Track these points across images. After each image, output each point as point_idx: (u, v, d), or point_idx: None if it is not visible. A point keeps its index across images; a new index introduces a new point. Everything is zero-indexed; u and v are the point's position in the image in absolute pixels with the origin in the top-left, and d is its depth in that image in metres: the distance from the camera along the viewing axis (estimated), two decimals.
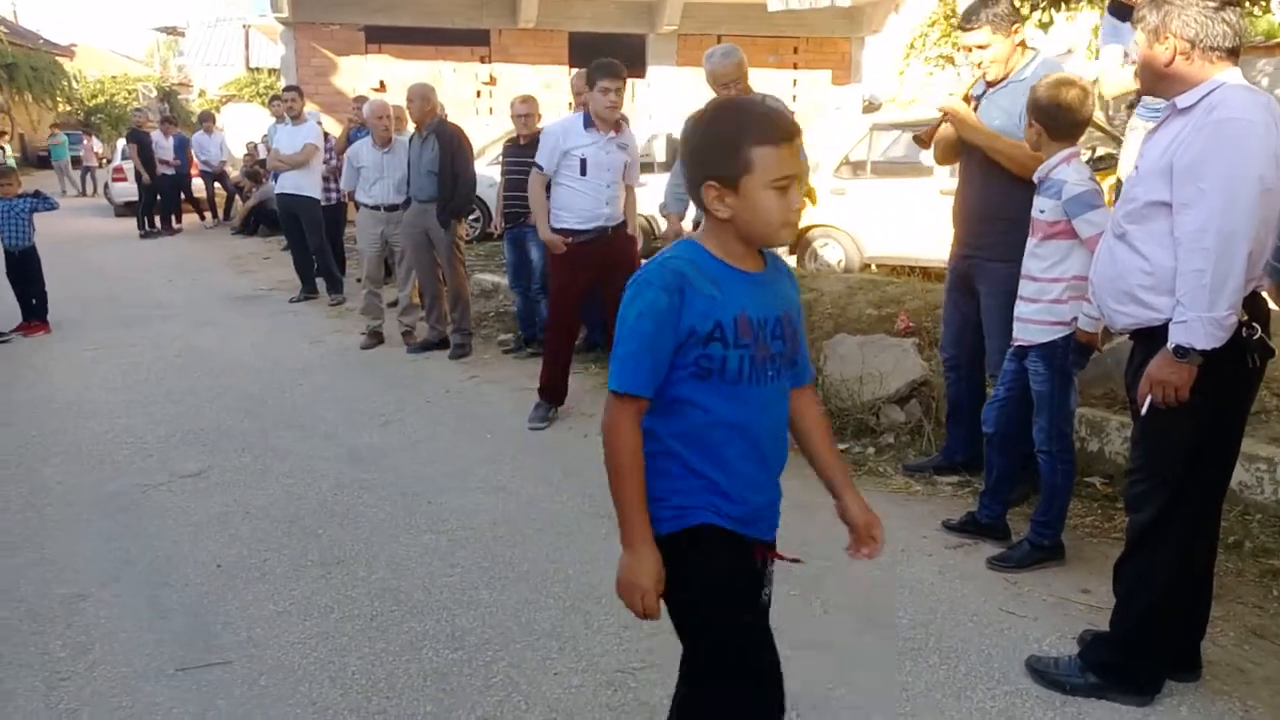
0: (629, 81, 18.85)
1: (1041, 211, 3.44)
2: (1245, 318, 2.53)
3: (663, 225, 5.48)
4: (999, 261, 3.94)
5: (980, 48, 3.96)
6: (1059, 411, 3.55)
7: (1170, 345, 2.55)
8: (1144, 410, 2.69)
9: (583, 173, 5.23)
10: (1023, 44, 3.97)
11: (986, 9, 3.89)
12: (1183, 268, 2.53)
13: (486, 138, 14.09)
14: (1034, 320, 3.50)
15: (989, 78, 4.03)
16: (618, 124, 5.35)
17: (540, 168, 5.40)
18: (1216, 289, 2.45)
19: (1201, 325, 2.48)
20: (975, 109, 4.08)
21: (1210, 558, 2.91)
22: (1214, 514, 2.87)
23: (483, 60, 17.98)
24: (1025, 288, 3.54)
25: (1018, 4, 3.98)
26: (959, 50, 15.44)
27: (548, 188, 5.44)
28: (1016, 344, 3.60)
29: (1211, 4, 2.52)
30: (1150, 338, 2.68)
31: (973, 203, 4.16)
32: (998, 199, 3.97)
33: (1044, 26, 5.93)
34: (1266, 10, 7.18)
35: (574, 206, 5.29)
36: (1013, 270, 3.67)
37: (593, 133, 5.27)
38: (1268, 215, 2.48)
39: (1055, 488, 3.61)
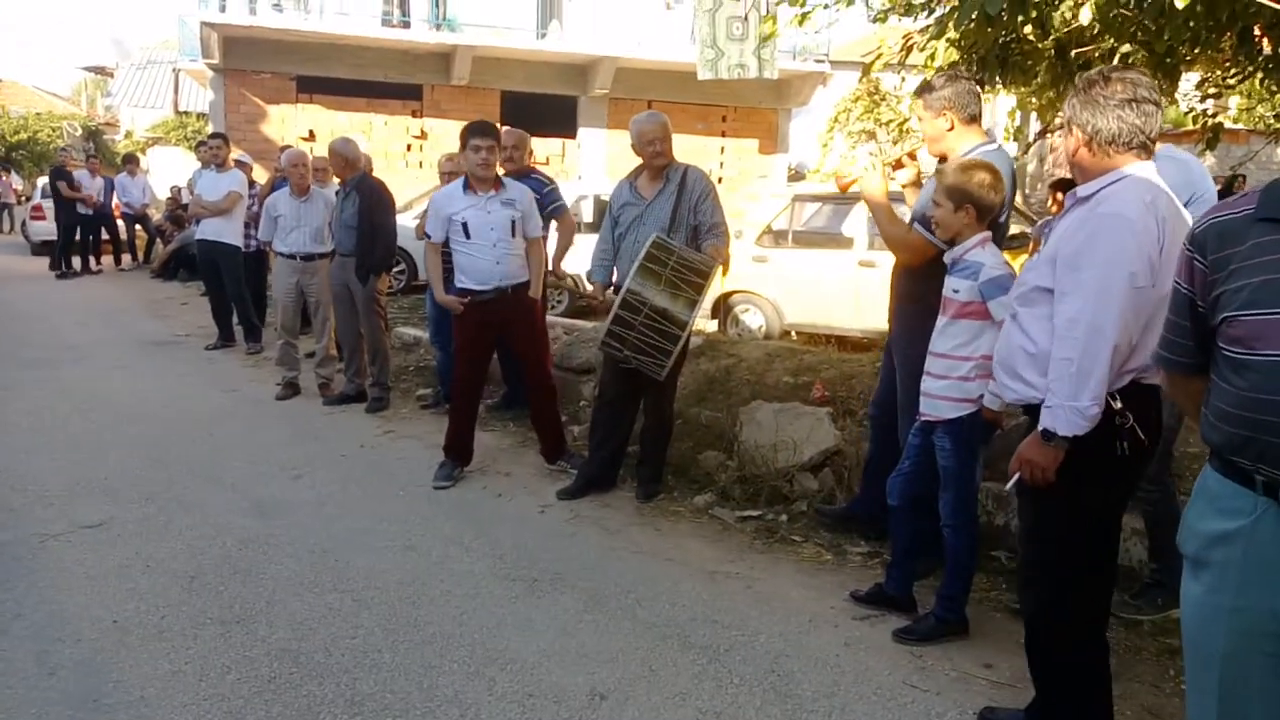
0: (561, 141, 19.03)
1: (955, 291, 3.52)
2: (1119, 406, 2.60)
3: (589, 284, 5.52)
4: (909, 342, 4.06)
5: (919, 118, 4.10)
6: (965, 486, 3.62)
7: (1039, 428, 2.65)
8: (1009, 486, 2.81)
9: (467, 235, 5.25)
10: (963, 129, 3.93)
11: (928, 88, 4.00)
12: (1055, 354, 2.62)
13: (416, 191, 14.10)
14: (942, 396, 3.57)
15: (929, 152, 4.16)
16: (497, 181, 5.35)
17: (429, 236, 5.47)
18: (1081, 379, 2.54)
19: (1064, 413, 2.57)
20: (917, 176, 4.26)
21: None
22: (1101, 590, 2.90)
23: (415, 114, 18.06)
24: (934, 364, 3.60)
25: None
26: (880, 126, 15.95)
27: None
28: (923, 419, 3.67)
29: (1113, 100, 2.58)
30: (1033, 412, 2.77)
31: (896, 280, 4.28)
32: (913, 281, 4.08)
33: None
34: (1173, 101, 7.53)
35: (468, 269, 5.31)
36: (914, 354, 3.80)
37: (470, 195, 5.28)
38: (1141, 311, 2.54)
39: (960, 562, 3.67)
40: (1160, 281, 2.52)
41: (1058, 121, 3.74)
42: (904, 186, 4.35)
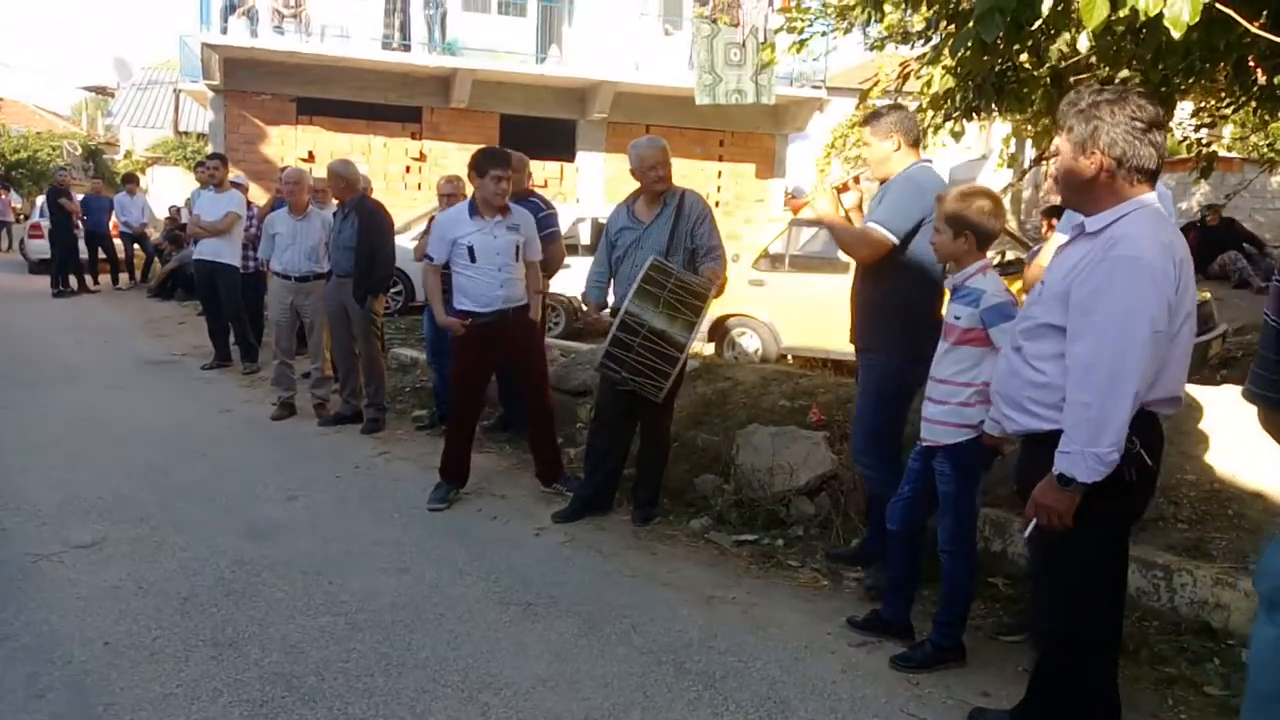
0: (559, 164, 19.10)
1: (957, 318, 3.52)
2: (1127, 433, 2.53)
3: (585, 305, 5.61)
4: (867, 352, 4.30)
5: (865, 144, 4.33)
6: (964, 512, 3.60)
7: (1054, 472, 2.58)
8: (1027, 533, 2.74)
9: (472, 259, 5.27)
10: (908, 150, 4.19)
11: (874, 116, 4.25)
12: (1070, 397, 2.55)
13: (415, 212, 14.13)
14: (941, 421, 3.56)
15: (870, 175, 4.37)
16: (504, 207, 5.39)
17: (430, 258, 5.48)
18: (1101, 425, 2.48)
19: (1084, 459, 2.51)
20: (860, 200, 4.47)
21: (1114, 665, 2.93)
22: (1113, 619, 2.88)
23: (414, 136, 18.13)
24: (934, 389, 3.60)
25: (920, 121, 4.30)
26: None
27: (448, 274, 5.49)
28: (924, 444, 3.66)
29: (1140, 124, 2.51)
30: (1039, 442, 2.72)
31: (854, 297, 4.42)
32: (870, 295, 4.27)
33: (956, 135, 6.15)
34: (1168, 130, 7.57)
35: (470, 291, 5.33)
36: (877, 360, 4.14)
37: (478, 219, 5.31)
38: (1158, 355, 2.50)
39: (957, 588, 3.65)
40: (1175, 323, 2.50)
41: (1055, 147, 3.78)
42: (849, 210, 4.47)
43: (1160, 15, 3.14)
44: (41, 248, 16.53)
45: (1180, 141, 7.28)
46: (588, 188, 18.96)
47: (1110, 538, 2.73)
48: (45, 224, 15.89)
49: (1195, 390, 4.85)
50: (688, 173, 18.47)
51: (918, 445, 3.72)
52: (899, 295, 4.11)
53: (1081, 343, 2.53)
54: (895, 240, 4.05)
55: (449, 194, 6.83)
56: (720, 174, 20.06)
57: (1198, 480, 4.62)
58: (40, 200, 16.61)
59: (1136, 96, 2.55)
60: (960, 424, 3.51)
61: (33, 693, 3.29)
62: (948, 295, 3.66)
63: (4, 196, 26.38)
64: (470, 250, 5.27)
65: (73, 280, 15.41)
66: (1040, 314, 2.71)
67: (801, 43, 6.88)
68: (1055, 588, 2.82)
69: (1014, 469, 2.99)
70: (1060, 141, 2.69)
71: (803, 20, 6.95)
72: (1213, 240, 14.02)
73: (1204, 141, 6.96)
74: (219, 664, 3.52)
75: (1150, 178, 2.58)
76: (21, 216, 25.61)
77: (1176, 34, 3.17)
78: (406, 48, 17.26)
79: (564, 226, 7.73)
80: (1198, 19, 3.14)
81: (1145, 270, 2.45)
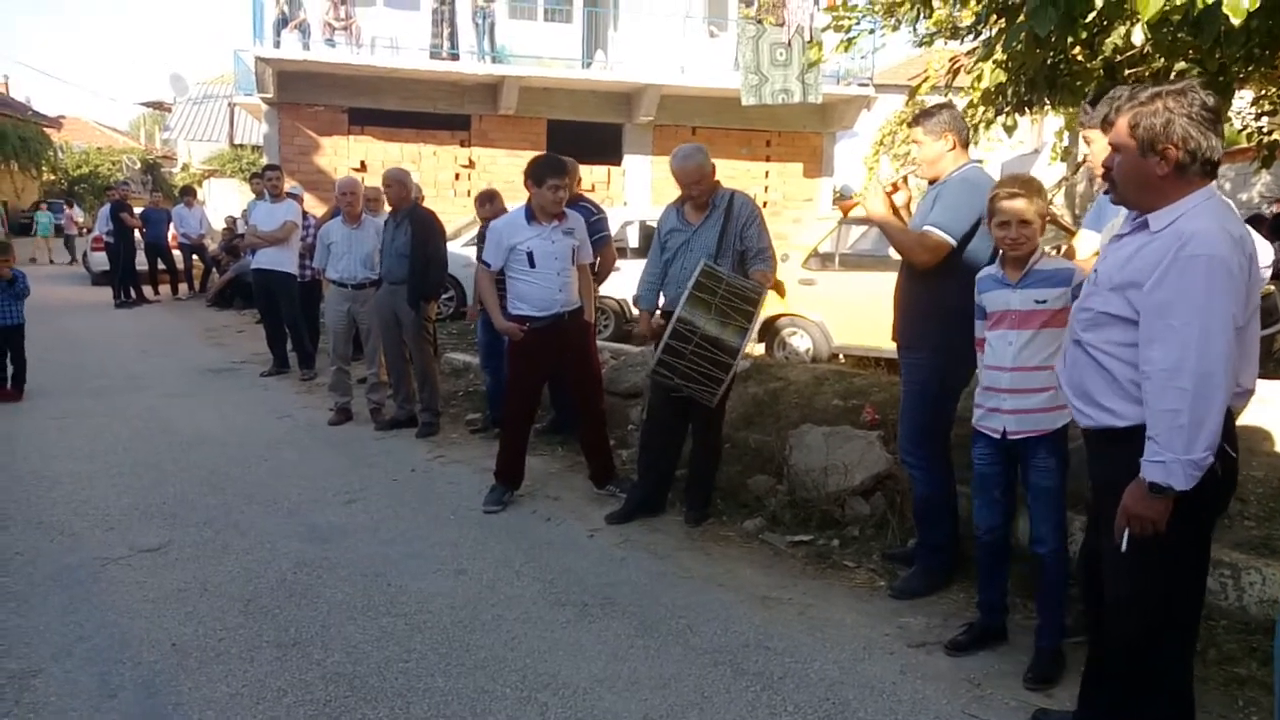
0: (607, 168, 19.08)
1: (1041, 301, 3.45)
2: None
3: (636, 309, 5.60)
4: (910, 350, 4.30)
5: (916, 143, 4.30)
6: (1062, 505, 3.53)
7: (1146, 481, 2.48)
8: (1124, 546, 2.60)
9: (532, 265, 5.30)
10: (961, 151, 4.19)
11: (926, 114, 4.22)
12: (1156, 405, 2.46)
13: (465, 219, 14.25)
14: (1044, 409, 3.44)
15: (919, 174, 4.37)
16: (559, 214, 5.42)
17: (487, 264, 5.50)
18: (1194, 431, 2.40)
19: (1180, 467, 2.42)
20: (908, 200, 4.46)
21: (1190, 665, 2.85)
22: (1192, 621, 2.81)
23: (463, 144, 18.28)
24: (1027, 380, 3.47)
25: (971, 117, 4.31)
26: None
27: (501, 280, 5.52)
28: (1012, 437, 3.54)
29: (1207, 115, 2.44)
30: (1112, 440, 2.65)
31: (898, 296, 4.41)
32: (915, 294, 4.27)
33: (1009, 130, 6.08)
34: (1226, 119, 7.43)
35: (529, 297, 5.35)
36: (921, 359, 4.18)
37: (536, 225, 5.34)
38: (1237, 349, 2.44)
39: (1063, 590, 3.55)
40: (1246, 315, 2.46)
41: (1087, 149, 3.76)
42: (899, 210, 4.44)
43: (1219, 2, 3.09)
44: (103, 260, 16.85)
45: (1240, 130, 7.12)
46: (635, 191, 18.99)
47: (1195, 536, 2.65)
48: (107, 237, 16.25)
49: (1260, 385, 4.75)
50: (734, 174, 18.44)
51: (981, 450, 3.65)
52: (945, 295, 4.07)
53: (1160, 348, 2.45)
54: (954, 243, 4.04)
55: (488, 217, 6.81)
56: (768, 174, 19.99)
57: (1265, 476, 4.54)
58: (103, 211, 16.94)
59: (1198, 93, 2.47)
60: (1063, 406, 3.27)
61: (105, 693, 3.37)
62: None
63: (68, 211, 27.07)
64: (530, 256, 5.30)
65: (134, 290, 15.74)
66: (1099, 304, 2.65)
67: (849, 41, 6.83)
68: (1137, 588, 2.74)
69: (1091, 471, 2.92)
70: (1108, 139, 2.62)
71: (849, 18, 6.90)
72: (1277, 232, 13.69)
73: (1265, 130, 6.81)
74: (283, 664, 3.58)
75: (1214, 171, 2.51)
76: (85, 230, 26.22)
77: (1236, 21, 3.12)
78: (455, 57, 17.41)
79: (613, 230, 7.75)
80: (1258, 5, 3.09)
81: (1220, 267, 2.38)
